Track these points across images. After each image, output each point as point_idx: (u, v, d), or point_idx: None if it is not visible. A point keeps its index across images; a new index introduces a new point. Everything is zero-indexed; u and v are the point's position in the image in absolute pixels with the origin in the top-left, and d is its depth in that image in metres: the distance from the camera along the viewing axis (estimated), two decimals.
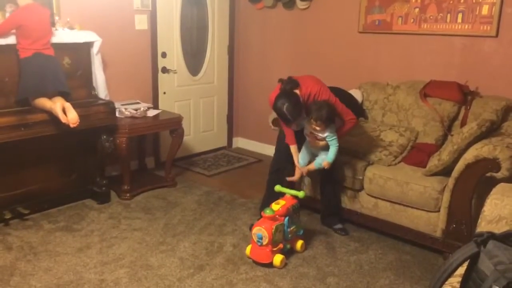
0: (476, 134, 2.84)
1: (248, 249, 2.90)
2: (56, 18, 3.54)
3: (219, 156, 5.16)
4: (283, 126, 3.10)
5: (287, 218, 2.87)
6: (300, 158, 3.14)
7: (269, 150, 4.93)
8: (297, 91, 2.88)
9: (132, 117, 3.84)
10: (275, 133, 3.59)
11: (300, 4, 4.56)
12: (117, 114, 3.73)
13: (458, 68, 3.66)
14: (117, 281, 2.64)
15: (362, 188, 3.27)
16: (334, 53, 4.42)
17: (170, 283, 2.64)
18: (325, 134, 2.94)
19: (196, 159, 4.98)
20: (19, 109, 3.20)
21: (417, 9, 3.80)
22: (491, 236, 1.16)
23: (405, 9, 3.87)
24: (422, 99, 3.51)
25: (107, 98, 3.74)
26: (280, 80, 2.97)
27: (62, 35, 3.42)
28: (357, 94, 3.87)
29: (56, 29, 3.40)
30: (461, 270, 1.23)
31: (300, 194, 2.95)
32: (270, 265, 2.82)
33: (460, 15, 3.59)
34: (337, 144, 2.97)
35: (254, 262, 2.86)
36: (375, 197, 3.21)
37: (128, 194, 3.82)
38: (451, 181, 2.83)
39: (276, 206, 2.86)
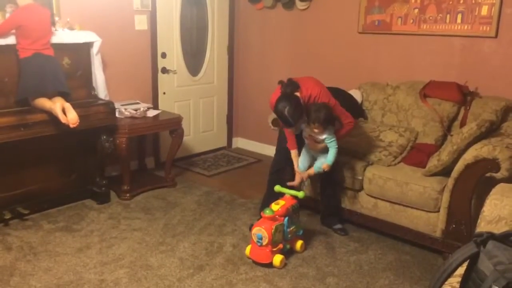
0: (476, 134, 2.85)
1: (247, 249, 2.90)
2: (56, 18, 3.53)
3: (219, 156, 5.16)
4: (285, 130, 3.11)
5: (286, 218, 2.87)
6: (300, 162, 3.13)
7: (269, 150, 4.93)
8: (297, 94, 2.87)
9: (132, 117, 3.84)
10: (275, 133, 3.59)
11: (300, 5, 4.56)
12: (117, 114, 3.73)
13: (457, 69, 3.67)
14: (117, 281, 2.64)
15: (361, 189, 3.27)
16: (333, 53, 4.43)
17: (170, 283, 2.64)
18: (323, 137, 2.93)
19: (196, 159, 4.98)
20: (19, 109, 3.20)
21: (416, 10, 3.80)
22: (491, 236, 1.16)
23: (404, 9, 3.87)
24: (422, 99, 3.52)
25: (107, 98, 3.74)
26: (280, 82, 2.96)
27: (62, 35, 3.41)
28: (356, 94, 3.87)
29: (56, 29, 3.40)
30: (461, 270, 1.24)
31: (300, 194, 2.95)
32: (269, 265, 2.82)
33: (459, 16, 3.59)
34: (336, 146, 2.96)
35: (254, 262, 2.86)
36: (374, 197, 3.22)
37: (128, 194, 3.82)
38: (450, 182, 2.83)
39: (275, 206, 2.86)
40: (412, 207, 3.05)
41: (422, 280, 2.75)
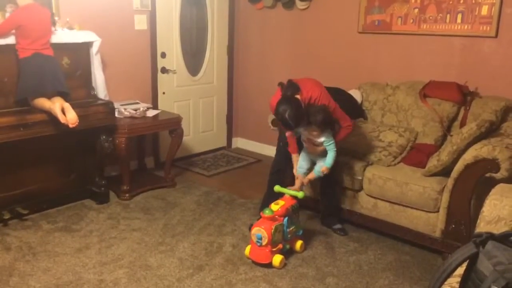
0: (476, 134, 2.84)
1: (247, 250, 2.90)
2: (56, 18, 3.53)
3: (219, 156, 5.16)
4: (287, 135, 3.11)
5: (286, 218, 2.87)
6: (298, 166, 3.13)
7: (268, 150, 4.93)
8: (297, 96, 2.87)
9: (132, 117, 3.84)
10: (274, 134, 3.59)
11: (300, 4, 4.56)
12: (116, 114, 3.72)
13: (457, 69, 3.67)
14: (116, 282, 2.63)
15: (361, 189, 3.27)
16: (333, 53, 4.42)
17: (169, 283, 2.64)
18: (322, 139, 2.92)
19: (196, 159, 4.98)
20: (18, 109, 3.19)
21: (416, 10, 3.80)
22: (490, 236, 1.16)
23: (404, 9, 3.87)
24: (422, 99, 3.51)
25: (107, 98, 3.73)
26: (280, 84, 2.94)
27: (62, 35, 3.41)
28: (356, 94, 3.87)
29: (55, 29, 3.39)
30: (460, 270, 1.23)
31: (300, 194, 2.95)
32: (269, 265, 2.81)
33: (459, 16, 3.59)
34: (335, 149, 2.95)
35: (254, 262, 2.86)
36: (374, 198, 3.21)
37: (127, 194, 3.82)
38: (450, 182, 2.83)
39: (275, 206, 2.86)
40: (411, 207, 3.04)
41: (422, 280, 2.75)
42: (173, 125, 4.03)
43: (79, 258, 2.87)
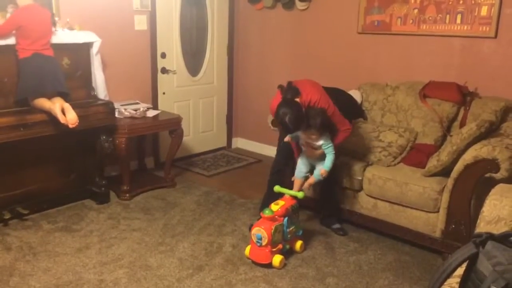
0: (475, 134, 2.85)
1: (247, 250, 2.90)
2: (56, 18, 3.53)
3: (219, 156, 5.16)
4: (291, 143, 3.12)
5: (286, 218, 2.87)
6: (297, 170, 3.13)
7: (268, 150, 4.94)
8: (297, 99, 2.87)
9: (132, 118, 3.84)
10: (274, 134, 3.59)
11: (300, 5, 4.56)
12: (116, 115, 3.73)
13: (457, 69, 3.67)
14: (116, 282, 2.64)
15: (361, 189, 3.27)
16: (333, 53, 4.43)
17: (169, 283, 2.64)
18: (320, 143, 2.93)
19: (196, 160, 4.98)
20: (18, 109, 3.19)
21: (416, 10, 3.80)
22: (490, 236, 1.16)
23: (404, 10, 3.87)
24: (422, 99, 3.52)
25: (107, 99, 3.74)
26: (280, 87, 2.95)
27: (62, 36, 3.41)
28: (356, 94, 3.87)
29: (55, 30, 3.40)
30: (460, 270, 1.23)
31: (300, 194, 2.95)
32: (269, 265, 2.82)
33: (459, 16, 3.59)
34: (334, 152, 2.95)
35: (253, 262, 2.86)
36: (374, 198, 3.22)
37: (127, 195, 3.82)
38: (450, 182, 2.83)
39: (275, 206, 2.86)
40: (411, 208, 3.05)
41: (422, 280, 2.75)
42: (173, 125, 4.03)
43: (79, 258, 2.87)
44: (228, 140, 5.48)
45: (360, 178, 3.24)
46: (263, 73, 5.06)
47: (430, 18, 3.74)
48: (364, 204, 3.28)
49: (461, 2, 3.56)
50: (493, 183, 2.43)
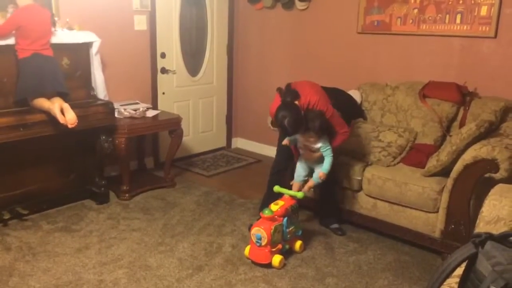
0: (475, 135, 2.85)
1: (247, 250, 2.90)
2: (56, 18, 3.53)
3: (218, 156, 5.16)
4: (292, 147, 3.12)
5: (286, 218, 2.87)
6: (296, 174, 3.14)
7: (268, 150, 4.94)
8: (297, 102, 2.87)
9: (131, 118, 3.84)
10: (274, 134, 3.59)
11: (299, 5, 4.56)
12: (116, 115, 3.73)
13: (457, 69, 3.67)
14: (116, 282, 2.64)
15: (360, 189, 3.27)
16: (333, 53, 4.43)
17: (168, 283, 2.64)
18: (318, 145, 2.93)
19: (195, 160, 4.98)
20: (18, 110, 3.19)
21: (416, 10, 3.80)
22: (489, 236, 1.16)
23: (404, 9, 3.87)
24: (421, 99, 3.52)
25: (106, 99, 3.74)
26: (279, 90, 2.95)
27: (61, 36, 3.41)
28: (356, 94, 3.87)
29: (55, 30, 3.40)
30: (459, 270, 1.23)
31: (299, 194, 2.95)
32: (269, 265, 2.82)
33: (459, 16, 3.59)
34: (332, 155, 2.95)
35: (253, 262, 2.86)
36: (374, 198, 3.22)
37: (127, 195, 3.82)
38: (449, 182, 2.83)
39: (275, 206, 2.86)
40: (411, 208, 3.05)
41: (421, 280, 2.75)
42: (173, 125, 4.03)
43: (79, 258, 2.87)
44: (228, 140, 5.48)
45: (359, 178, 3.24)
46: (263, 73, 5.06)
47: (430, 18, 3.74)
48: (364, 204, 3.28)
49: (460, 2, 3.56)
50: (492, 183, 2.42)
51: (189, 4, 4.74)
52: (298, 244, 3.02)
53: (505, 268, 1.07)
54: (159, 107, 4.51)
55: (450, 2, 3.61)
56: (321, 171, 2.98)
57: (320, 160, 2.99)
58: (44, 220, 3.38)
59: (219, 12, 5.01)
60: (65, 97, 3.27)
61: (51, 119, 3.14)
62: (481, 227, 1.93)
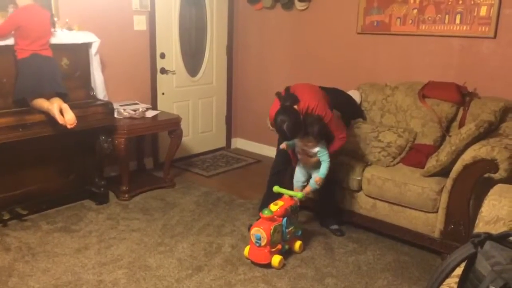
0: (474, 135, 2.85)
1: (246, 250, 2.90)
2: (55, 19, 3.53)
3: (218, 156, 5.16)
4: (289, 151, 3.12)
5: (285, 219, 2.87)
6: (295, 179, 3.14)
7: (268, 151, 4.94)
8: (296, 106, 2.86)
9: (131, 118, 3.84)
10: (273, 134, 3.58)
11: (299, 5, 4.56)
12: (115, 115, 3.72)
13: (456, 69, 3.67)
14: (116, 282, 2.63)
15: (360, 189, 3.27)
16: (332, 54, 4.43)
17: (168, 284, 2.64)
18: (316, 150, 2.93)
19: (195, 160, 4.98)
20: (17, 110, 3.19)
21: (415, 10, 3.80)
22: (488, 236, 1.16)
23: (403, 10, 3.87)
24: (421, 100, 3.52)
25: (106, 99, 3.73)
26: (277, 94, 2.94)
27: (61, 36, 3.41)
28: (355, 95, 3.87)
29: (55, 30, 3.39)
30: (459, 270, 1.23)
31: (299, 195, 2.95)
32: (268, 265, 2.82)
33: (458, 16, 3.60)
34: (329, 160, 2.96)
35: (253, 262, 2.86)
36: (373, 198, 3.22)
37: (126, 195, 3.82)
38: (449, 182, 2.83)
39: (274, 207, 2.86)
40: (410, 208, 3.05)
41: (421, 280, 2.75)
42: (173, 125, 4.03)
43: (78, 259, 2.87)
44: (228, 140, 5.48)
45: (359, 178, 3.24)
46: (263, 73, 5.06)
47: (430, 18, 3.74)
48: (363, 204, 3.28)
49: (460, 2, 3.56)
50: (492, 183, 2.42)
51: (189, 4, 4.74)
52: (297, 244, 3.02)
53: (504, 268, 1.07)
54: (158, 108, 4.51)
55: (449, 3, 3.62)
56: (317, 176, 2.98)
57: (318, 165, 3.00)
58: (43, 220, 3.38)
59: (219, 12, 5.01)
60: (64, 97, 3.27)
61: (51, 119, 3.14)
62: (480, 227, 1.94)
